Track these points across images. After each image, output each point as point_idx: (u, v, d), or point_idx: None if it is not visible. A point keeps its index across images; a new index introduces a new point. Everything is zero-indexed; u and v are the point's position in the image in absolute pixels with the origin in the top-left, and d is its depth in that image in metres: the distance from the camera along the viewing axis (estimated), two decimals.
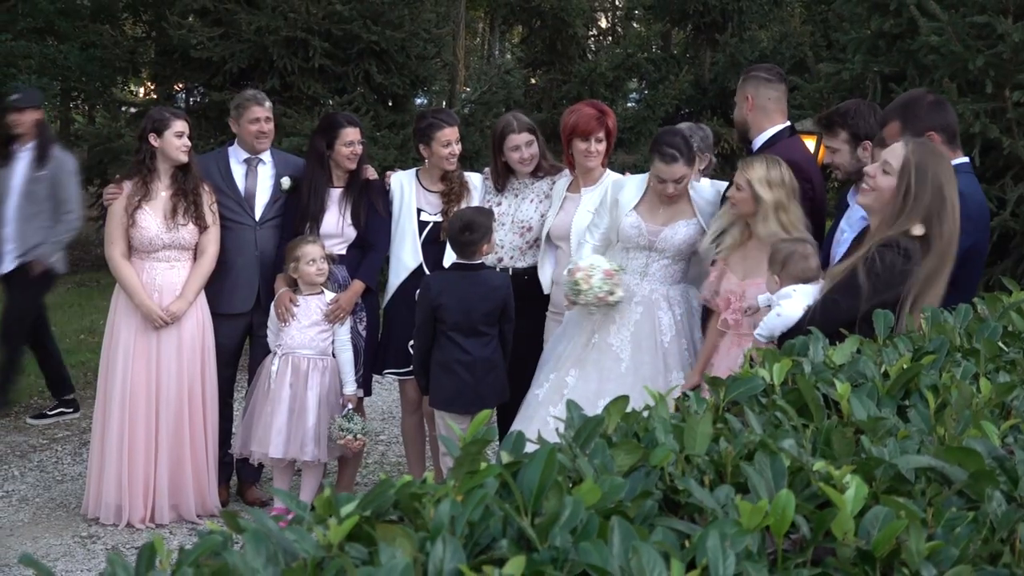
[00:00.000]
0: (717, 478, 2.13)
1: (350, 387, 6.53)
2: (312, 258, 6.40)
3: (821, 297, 4.26)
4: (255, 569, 1.61)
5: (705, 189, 5.94)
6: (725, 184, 6.26)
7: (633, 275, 5.82)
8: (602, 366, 5.71)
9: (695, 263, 5.95)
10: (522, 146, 6.51)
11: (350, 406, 6.48)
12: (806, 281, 4.53)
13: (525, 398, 5.99)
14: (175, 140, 6.49)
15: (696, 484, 2.00)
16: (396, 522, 1.81)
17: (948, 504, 2.02)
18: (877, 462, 2.11)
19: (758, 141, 5.71)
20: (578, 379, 5.73)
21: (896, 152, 4.32)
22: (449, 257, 6.30)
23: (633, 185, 5.91)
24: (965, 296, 4.25)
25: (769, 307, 4.68)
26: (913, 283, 4.10)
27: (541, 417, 5.51)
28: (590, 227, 6.01)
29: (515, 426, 5.81)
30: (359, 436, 6.36)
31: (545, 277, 6.45)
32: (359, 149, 6.67)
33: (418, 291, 6.23)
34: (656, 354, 5.70)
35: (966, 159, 5.03)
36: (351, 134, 6.66)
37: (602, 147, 6.24)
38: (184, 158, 6.52)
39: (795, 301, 4.40)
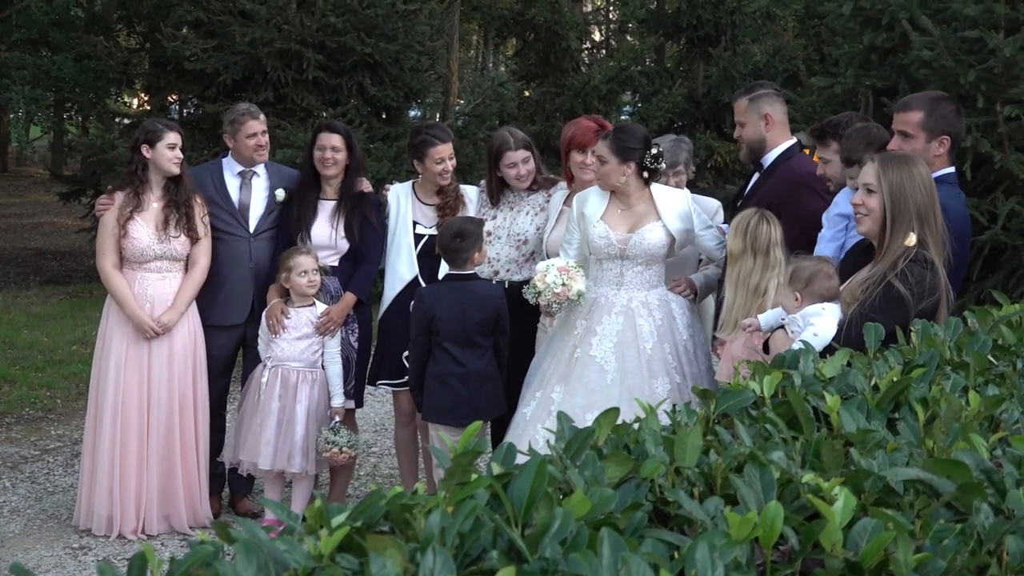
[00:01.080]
0: (707, 490, 2.15)
1: (338, 399, 6.53)
2: (304, 269, 6.40)
3: (856, 315, 4.24)
4: None
5: (670, 192, 5.93)
6: (704, 199, 6.30)
7: (609, 286, 5.83)
8: (587, 379, 5.71)
9: (670, 265, 5.98)
10: (519, 163, 6.52)
11: (337, 418, 6.47)
12: (829, 299, 4.53)
13: (513, 418, 5.99)
14: (167, 152, 6.49)
15: (686, 496, 2.01)
16: (387, 533, 1.81)
17: (936, 516, 2.03)
18: (866, 474, 2.12)
19: (770, 157, 5.75)
20: (564, 394, 5.70)
21: (870, 171, 4.39)
22: (445, 270, 6.31)
23: (595, 197, 5.90)
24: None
25: (782, 327, 4.67)
26: (943, 293, 4.22)
27: (530, 435, 5.50)
28: (564, 244, 6.03)
29: (514, 437, 5.83)
30: (344, 449, 6.35)
31: None
32: (335, 155, 6.62)
33: (412, 303, 6.24)
34: (640, 362, 5.70)
35: (952, 169, 5.03)
36: (324, 139, 6.66)
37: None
38: (176, 170, 6.53)
39: (827, 320, 4.40)
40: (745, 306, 5.15)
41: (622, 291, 5.81)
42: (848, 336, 4.08)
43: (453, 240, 5.97)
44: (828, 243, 5.27)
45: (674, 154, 6.40)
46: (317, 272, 6.45)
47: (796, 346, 4.24)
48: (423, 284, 6.48)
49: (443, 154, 6.59)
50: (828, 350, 3.87)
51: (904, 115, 4.99)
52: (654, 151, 5.75)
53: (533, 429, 5.55)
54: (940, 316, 4.15)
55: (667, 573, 1.68)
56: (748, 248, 5.16)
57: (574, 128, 6.37)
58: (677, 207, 5.82)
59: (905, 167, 4.36)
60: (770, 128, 5.75)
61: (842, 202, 5.33)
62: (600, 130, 6.26)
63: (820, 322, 4.39)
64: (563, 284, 5.62)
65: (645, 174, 5.76)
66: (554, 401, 5.70)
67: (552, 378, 5.82)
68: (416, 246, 6.64)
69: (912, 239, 4.25)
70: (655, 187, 5.84)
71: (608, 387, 5.62)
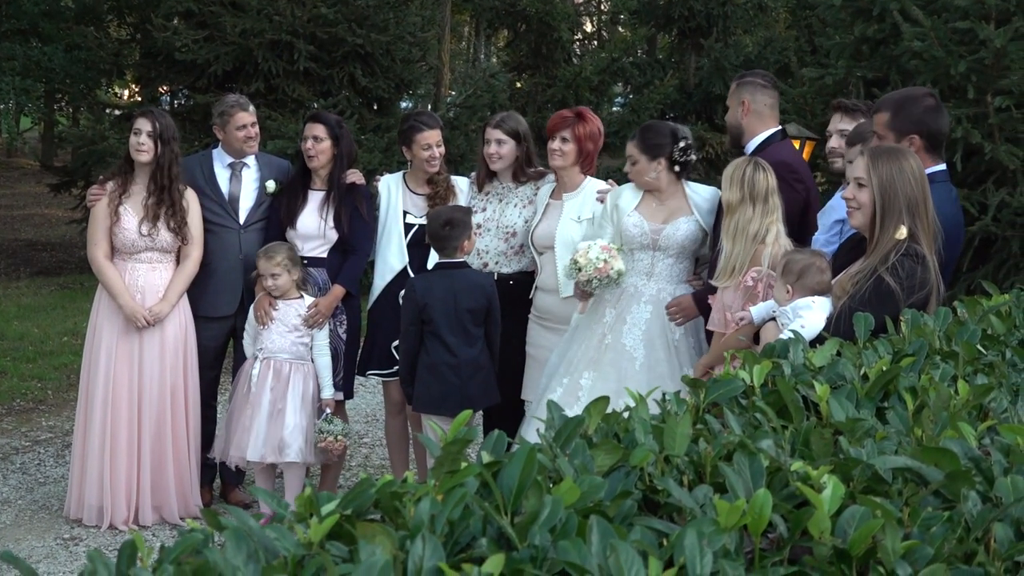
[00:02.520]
0: (696, 478, 2.15)
1: (328, 391, 6.52)
2: (261, 273, 6.40)
3: (846, 308, 4.23)
4: (236, 567, 1.61)
5: (702, 188, 5.98)
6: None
7: (639, 276, 5.86)
8: (619, 366, 5.75)
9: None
10: (492, 141, 6.52)
11: (328, 410, 6.47)
12: (820, 294, 4.53)
13: (536, 403, 6.00)
14: (132, 138, 6.47)
15: (675, 484, 2.01)
16: (376, 521, 1.82)
17: (924, 504, 2.03)
18: (855, 462, 2.13)
19: (751, 145, 5.75)
20: (595, 380, 5.74)
21: (860, 165, 4.39)
22: (434, 260, 6.32)
23: (629, 191, 5.97)
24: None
25: (774, 319, 4.68)
26: (934, 286, 4.19)
27: None
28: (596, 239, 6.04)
29: (525, 430, 5.87)
30: (339, 438, 6.34)
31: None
32: (316, 146, 6.59)
33: (402, 294, 6.23)
34: (670, 352, 5.74)
35: (942, 167, 4.95)
36: (307, 129, 6.68)
37: (568, 148, 6.25)
38: (138, 157, 6.45)
39: (816, 313, 4.40)
40: (744, 254, 5.15)
41: (652, 282, 5.85)
42: (837, 329, 4.07)
43: (443, 228, 5.96)
44: (821, 248, 5.26)
45: None
46: (278, 275, 6.38)
47: (784, 337, 4.26)
48: (412, 274, 6.49)
49: (429, 140, 6.58)
50: (819, 341, 3.88)
51: (876, 116, 4.97)
52: (682, 144, 5.80)
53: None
54: (930, 310, 4.15)
55: (656, 560, 1.68)
56: (746, 196, 5.16)
57: (552, 117, 6.43)
58: (710, 202, 5.85)
59: (895, 160, 4.35)
60: (745, 115, 5.75)
61: (839, 207, 5.33)
62: (573, 117, 6.29)
63: (809, 315, 4.39)
64: (604, 261, 5.63)
65: (676, 168, 5.82)
66: (582, 387, 5.74)
67: (580, 364, 5.86)
68: (406, 236, 6.64)
69: (903, 232, 4.25)
70: (689, 184, 5.90)
71: (637, 374, 5.65)
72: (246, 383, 6.45)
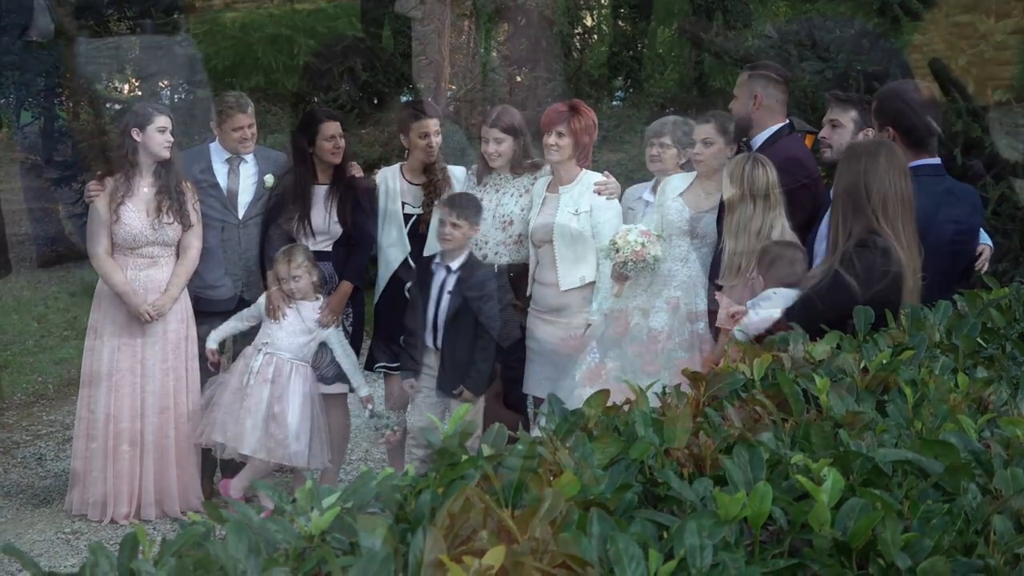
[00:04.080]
0: (696, 471, 2.15)
1: (364, 390, 6.63)
2: (282, 277, 6.42)
3: (799, 301, 4.25)
4: (237, 559, 1.62)
5: None
6: None
7: (675, 261, 5.89)
8: (640, 347, 5.78)
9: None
10: (490, 141, 6.53)
11: (370, 406, 6.61)
12: (789, 286, 4.54)
13: (562, 383, 6.03)
14: (157, 135, 6.46)
15: (675, 477, 2.01)
16: (377, 514, 1.82)
17: (924, 496, 2.04)
18: (855, 455, 2.13)
19: (759, 139, 5.74)
20: (614, 359, 5.82)
21: None
22: (431, 250, 6.39)
23: (679, 179, 6.03)
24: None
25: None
26: (902, 274, 4.16)
27: (578, 399, 5.53)
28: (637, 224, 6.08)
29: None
30: (395, 428, 6.51)
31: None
32: (341, 143, 6.65)
33: (497, 290, 6.21)
34: (692, 339, 5.76)
35: (926, 161, 4.84)
36: (331, 128, 6.64)
37: (563, 142, 6.23)
38: (166, 154, 6.48)
39: (773, 303, 4.43)
40: (748, 252, 5.15)
41: (686, 268, 5.88)
42: (791, 317, 4.03)
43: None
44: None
45: (662, 124, 6.44)
46: (299, 277, 6.40)
47: (743, 324, 4.33)
48: (413, 263, 6.51)
49: (427, 129, 6.59)
50: (820, 333, 3.87)
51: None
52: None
53: (582, 391, 5.60)
54: (904, 296, 4.08)
55: (656, 553, 1.68)
56: (746, 194, 5.17)
57: (546, 112, 6.42)
58: None
59: (846, 158, 4.40)
60: (757, 108, 5.74)
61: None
62: (566, 111, 6.27)
63: (767, 305, 4.43)
64: (642, 245, 5.66)
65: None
66: (605, 366, 5.81)
67: (607, 345, 5.91)
68: (406, 225, 6.64)
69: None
70: None
71: (657, 356, 5.68)
72: (243, 374, 6.41)
